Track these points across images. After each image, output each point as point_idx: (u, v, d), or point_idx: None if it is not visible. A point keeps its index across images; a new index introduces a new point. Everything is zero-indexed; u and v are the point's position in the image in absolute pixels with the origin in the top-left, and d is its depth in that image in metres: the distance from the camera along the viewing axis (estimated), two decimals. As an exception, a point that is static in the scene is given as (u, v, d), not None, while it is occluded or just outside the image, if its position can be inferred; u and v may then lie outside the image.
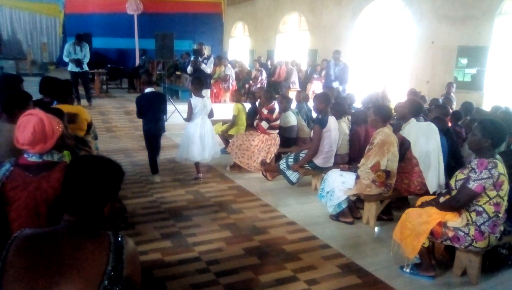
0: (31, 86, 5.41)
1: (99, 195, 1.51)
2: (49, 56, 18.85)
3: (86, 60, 10.02)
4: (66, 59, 9.97)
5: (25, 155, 2.01)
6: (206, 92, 9.46)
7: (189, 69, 10.38)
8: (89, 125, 4.12)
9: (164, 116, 5.82)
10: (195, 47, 11.04)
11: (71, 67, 9.89)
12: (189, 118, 5.55)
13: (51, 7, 18.63)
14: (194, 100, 5.51)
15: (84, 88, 10.35)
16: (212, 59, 9.59)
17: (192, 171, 5.94)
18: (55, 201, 1.93)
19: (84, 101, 10.18)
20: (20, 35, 19.03)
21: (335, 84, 8.69)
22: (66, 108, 3.61)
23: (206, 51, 18.13)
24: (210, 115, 5.72)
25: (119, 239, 1.48)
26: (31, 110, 2.06)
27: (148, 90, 5.55)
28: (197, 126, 5.52)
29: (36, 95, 4.64)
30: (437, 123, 4.54)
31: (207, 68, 9.10)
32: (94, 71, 12.29)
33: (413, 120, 4.39)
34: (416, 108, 4.48)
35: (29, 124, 1.95)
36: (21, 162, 2.00)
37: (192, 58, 10.29)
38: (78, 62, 9.80)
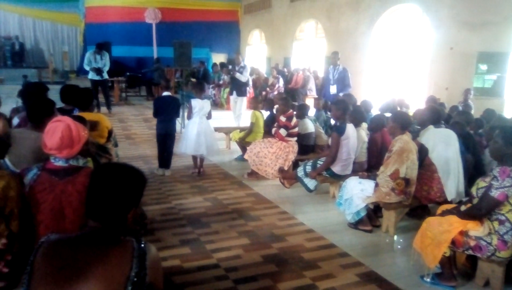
0: (53, 94, 5.53)
1: (123, 202, 1.54)
2: (70, 64, 19.27)
3: (106, 68, 10.21)
4: (86, 68, 10.18)
5: (52, 160, 2.07)
6: (242, 100, 9.52)
7: (226, 78, 10.84)
8: (110, 133, 4.18)
9: (176, 119, 6.49)
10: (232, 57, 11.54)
11: (92, 75, 10.09)
12: (189, 116, 6.20)
13: (72, 17, 19.07)
14: (194, 101, 6.14)
15: (104, 96, 10.53)
16: (247, 68, 9.74)
17: (210, 180, 6.01)
18: (79, 204, 1.98)
19: (104, 109, 10.37)
20: (42, 44, 19.52)
21: (333, 89, 8.61)
22: (87, 115, 3.67)
23: (222, 59, 18.33)
24: (208, 116, 6.28)
25: (142, 245, 1.50)
26: (59, 117, 2.13)
27: (165, 93, 6.34)
28: (195, 124, 6.12)
29: (58, 103, 4.76)
30: (455, 128, 4.48)
31: (242, 76, 9.28)
32: (113, 79, 12.50)
33: (431, 126, 4.34)
34: (435, 115, 4.43)
35: (58, 130, 2.01)
36: (48, 167, 2.06)
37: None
38: (98, 71, 9.99)
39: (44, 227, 1.98)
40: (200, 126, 6.12)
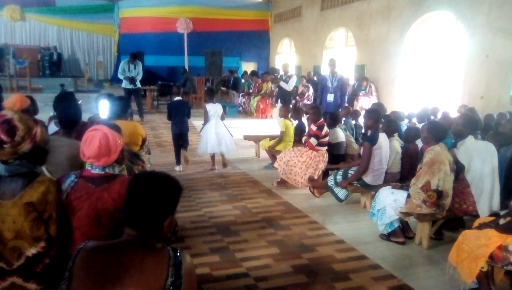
0: (89, 102, 5.72)
1: (161, 210, 1.57)
2: (104, 73, 19.83)
3: (139, 77, 10.46)
4: (121, 77, 10.46)
5: (89, 168, 2.12)
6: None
7: (273, 86, 11.81)
8: (143, 141, 4.26)
9: (188, 119, 7.21)
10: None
11: (125, 84, 10.35)
12: (206, 120, 7.01)
13: (107, 28, 19.66)
14: (208, 106, 7.01)
15: (136, 104, 10.77)
16: (294, 77, 9.88)
17: (239, 188, 6.06)
18: (114, 211, 2.02)
19: (136, 117, 10.58)
20: (78, 54, 20.19)
21: (330, 97, 8.50)
22: (123, 124, 3.74)
23: (252, 67, 18.43)
24: (222, 118, 7.10)
25: (178, 254, 1.52)
26: (96, 126, 2.18)
27: (176, 98, 7.32)
28: (212, 126, 6.94)
29: (94, 111, 4.91)
30: (502, 138, 4.32)
31: (287, 85, 9.49)
32: (146, 87, 12.77)
33: (470, 138, 4.18)
34: (471, 123, 4.29)
35: (95, 139, 2.06)
36: (85, 174, 2.11)
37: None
38: (132, 80, 10.25)
39: (80, 233, 2.02)
40: (217, 127, 6.94)
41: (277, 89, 10.55)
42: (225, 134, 7.06)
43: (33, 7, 18.85)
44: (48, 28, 19.56)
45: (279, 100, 9.82)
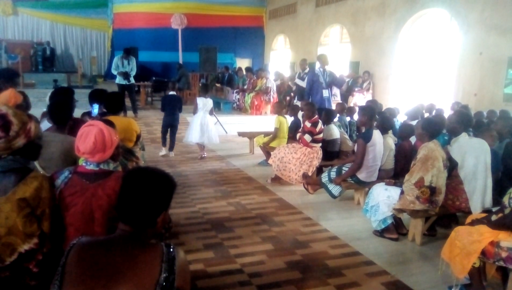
0: (82, 97, 5.68)
1: (155, 205, 1.56)
2: (98, 69, 19.68)
3: (133, 73, 10.40)
4: (114, 72, 10.39)
5: (83, 164, 2.11)
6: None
7: (292, 83, 12.25)
8: (138, 137, 4.24)
9: (179, 113, 7.79)
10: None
11: (119, 80, 10.29)
12: (195, 111, 7.55)
13: (101, 23, 19.49)
14: (199, 99, 7.59)
15: (130, 100, 10.71)
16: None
17: (234, 184, 6.09)
18: (109, 207, 2.01)
19: (130, 113, 10.54)
20: (72, 50, 20.02)
21: (326, 93, 8.56)
22: (117, 119, 3.72)
23: (247, 63, 18.41)
24: (210, 112, 7.72)
25: (171, 250, 1.52)
26: (92, 121, 2.17)
27: (170, 93, 8.13)
28: (199, 118, 7.47)
29: (87, 106, 4.87)
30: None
31: (303, 82, 9.68)
32: (140, 83, 12.70)
33: (463, 135, 4.21)
34: (465, 121, 4.32)
35: (90, 134, 2.04)
36: (79, 170, 2.10)
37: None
38: (126, 75, 10.19)
39: (74, 229, 2.01)
40: (203, 119, 7.46)
41: (294, 85, 10.65)
42: (210, 127, 7.55)
43: (26, 1, 18.66)
44: (41, 23, 19.36)
45: (296, 97, 9.92)
